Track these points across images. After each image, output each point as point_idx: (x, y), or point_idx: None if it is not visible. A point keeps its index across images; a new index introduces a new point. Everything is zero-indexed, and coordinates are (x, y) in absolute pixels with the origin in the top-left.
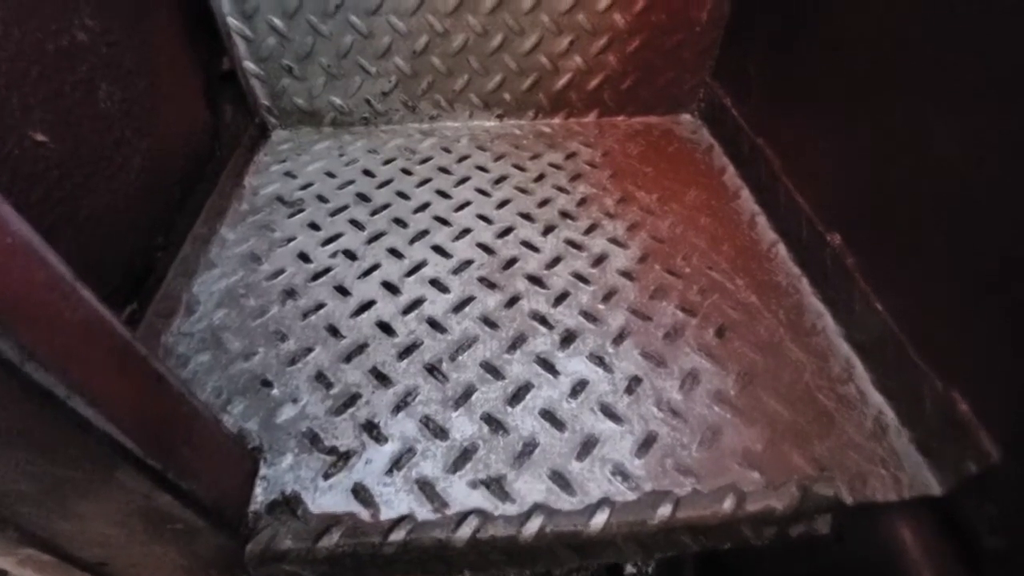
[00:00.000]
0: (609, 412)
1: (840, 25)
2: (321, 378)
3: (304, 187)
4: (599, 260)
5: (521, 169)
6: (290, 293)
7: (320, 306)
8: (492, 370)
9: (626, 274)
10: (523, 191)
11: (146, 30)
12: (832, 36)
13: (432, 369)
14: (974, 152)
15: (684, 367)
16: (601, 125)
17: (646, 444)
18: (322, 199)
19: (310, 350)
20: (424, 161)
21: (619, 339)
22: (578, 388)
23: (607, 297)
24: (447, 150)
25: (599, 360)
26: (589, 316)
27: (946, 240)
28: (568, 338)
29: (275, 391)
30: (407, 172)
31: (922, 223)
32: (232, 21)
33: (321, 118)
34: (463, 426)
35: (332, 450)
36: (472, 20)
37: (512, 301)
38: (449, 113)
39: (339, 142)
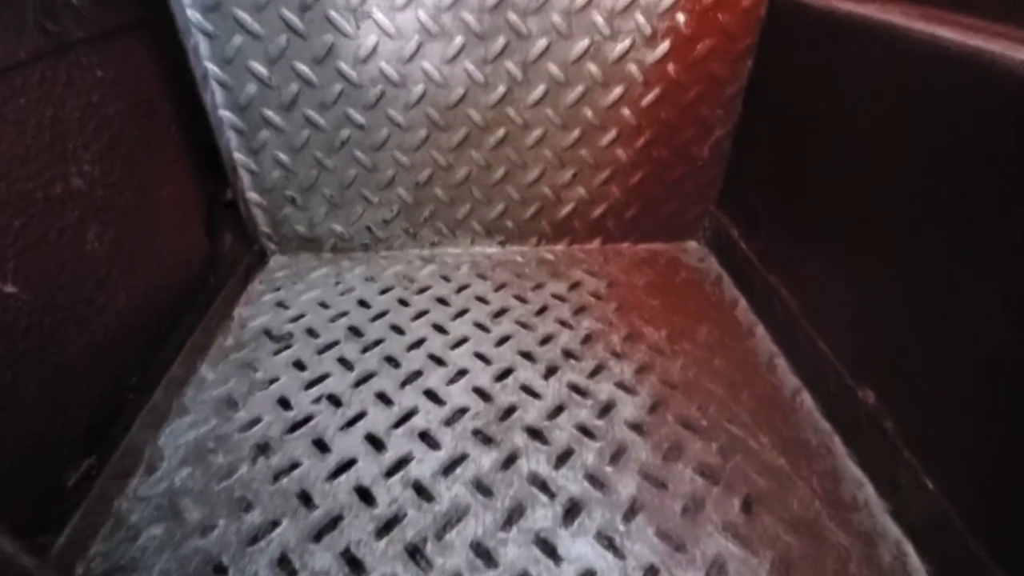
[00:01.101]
0: None
1: (839, 169)
2: (284, 563)
3: (295, 319)
4: (606, 409)
5: (522, 300)
6: (263, 448)
7: (294, 466)
8: (484, 554)
9: (636, 427)
10: (524, 326)
11: (148, 169)
12: (832, 181)
13: (415, 552)
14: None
15: (708, 553)
16: (606, 252)
17: None
18: (312, 333)
19: (276, 524)
20: (422, 291)
21: (631, 513)
22: None
23: (615, 456)
24: (447, 279)
25: (608, 542)
26: (596, 481)
27: (1000, 410)
28: (572, 510)
29: None
30: (404, 303)
31: (965, 390)
32: (239, 156)
33: (321, 244)
34: None
35: None
36: (475, 155)
37: (509, 460)
38: (451, 240)
39: (337, 268)
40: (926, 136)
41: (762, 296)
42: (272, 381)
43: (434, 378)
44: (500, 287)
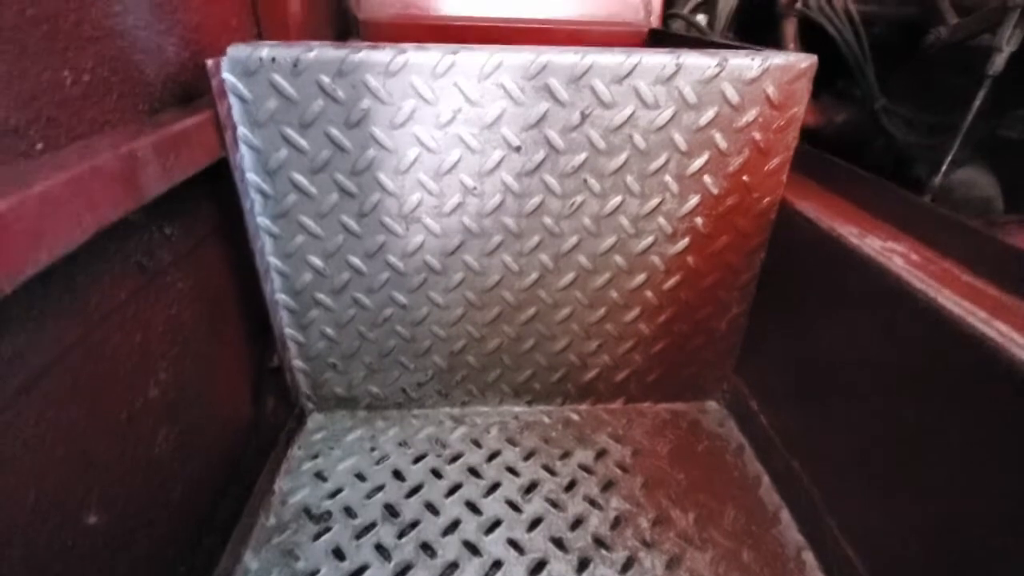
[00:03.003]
0: None
1: (848, 369)
2: None
3: (333, 494)
4: None
5: (551, 472)
6: None
7: None
8: None
9: None
10: (554, 504)
11: (212, 356)
12: (844, 380)
13: None
14: None
15: None
16: (628, 413)
17: None
18: (350, 512)
19: None
20: (454, 459)
21: None
22: None
23: None
24: (477, 443)
25: None
26: None
27: None
28: None
29: None
30: (437, 474)
31: None
32: (289, 331)
33: (357, 403)
34: None
35: None
36: (507, 328)
37: None
38: (480, 399)
39: (372, 430)
40: (920, 379)
41: (785, 478)
42: (313, 574)
43: (470, 571)
44: (529, 455)
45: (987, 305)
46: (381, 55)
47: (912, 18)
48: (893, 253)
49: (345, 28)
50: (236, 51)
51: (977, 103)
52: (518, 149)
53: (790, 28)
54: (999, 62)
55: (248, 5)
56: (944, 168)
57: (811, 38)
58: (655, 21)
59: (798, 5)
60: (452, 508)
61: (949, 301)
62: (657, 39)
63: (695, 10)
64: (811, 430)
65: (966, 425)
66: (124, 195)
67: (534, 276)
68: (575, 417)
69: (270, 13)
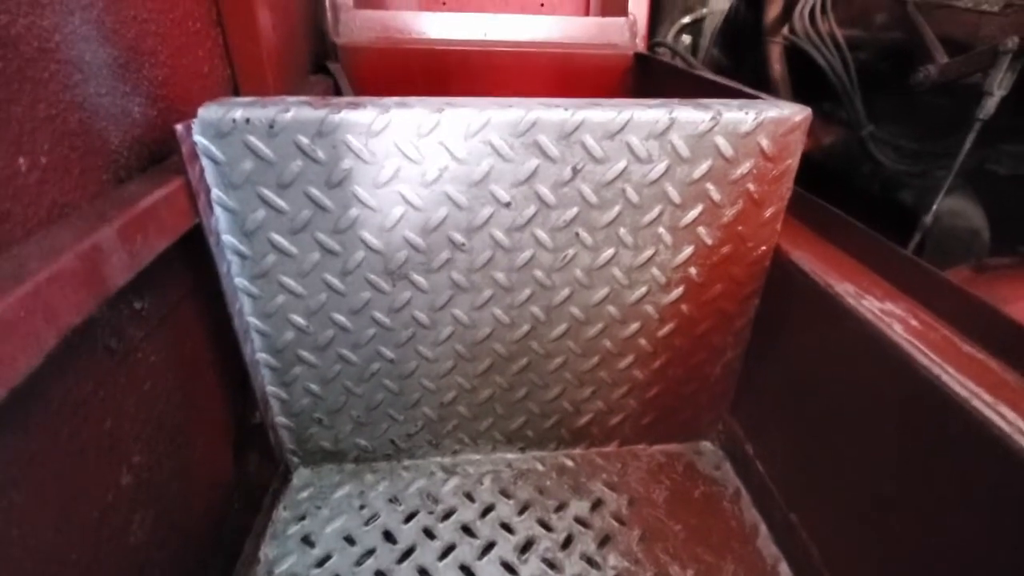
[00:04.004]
0: None
1: (844, 426)
2: None
3: (322, 561)
4: None
5: (547, 528)
6: None
7: None
8: None
9: None
10: (551, 565)
11: (188, 427)
12: (841, 439)
13: None
14: None
15: None
16: (623, 456)
17: None
18: None
19: None
20: (447, 516)
21: None
22: None
23: None
24: (470, 497)
25: None
26: None
27: None
28: None
29: None
30: (429, 534)
31: None
32: (271, 388)
33: (344, 456)
34: None
35: None
36: (499, 379)
37: None
38: (472, 447)
39: (360, 485)
40: (918, 451)
41: (782, 530)
42: None
43: None
44: (523, 509)
45: (989, 383)
46: (362, 115)
47: (898, 43)
48: (892, 318)
49: (323, 52)
50: (207, 112)
51: (967, 145)
52: (508, 205)
53: (775, 50)
54: (990, 106)
55: (220, 47)
56: (934, 208)
57: (796, 60)
58: (640, 44)
59: (785, 31)
60: (446, 573)
61: (953, 380)
62: (642, 63)
63: (681, 31)
64: (808, 482)
65: (968, 501)
66: (87, 297)
67: (525, 328)
68: (569, 463)
69: (243, 51)
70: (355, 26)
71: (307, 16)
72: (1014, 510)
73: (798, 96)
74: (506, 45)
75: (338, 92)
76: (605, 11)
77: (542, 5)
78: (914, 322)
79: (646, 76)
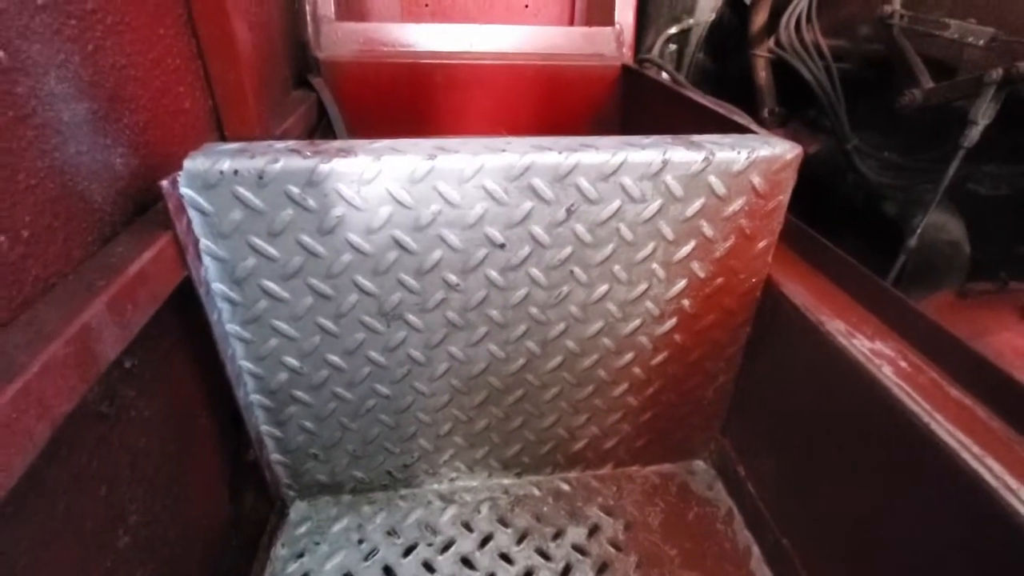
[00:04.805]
0: None
1: (834, 457)
2: None
3: None
4: None
5: (545, 557)
6: None
7: None
8: None
9: None
10: None
11: (183, 472)
12: (832, 468)
13: None
14: None
15: None
16: (617, 478)
17: None
18: None
19: None
20: (445, 548)
21: None
22: None
23: None
24: (468, 527)
25: None
26: None
27: None
28: None
29: None
30: (429, 567)
31: None
32: (265, 427)
33: (341, 488)
34: None
35: None
36: (495, 410)
37: None
38: (468, 475)
39: (358, 517)
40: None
41: (775, 554)
42: None
43: None
44: (522, 538)
45: (976, 431)
46: (354, 164)
47: (882, 55)
48: (882, 359)
49: (306, 65)
50: (193, 164)
51: (951, 172)
52: (502, 246)
53: (760, 61)
54: (974, 135)
55: (200, 79)
56: (918, 232)
57: (782, 69)
58: (627, 54)
59: (770, 44)
60: None
61: (942, 429)
62: (629, 76)
63: (668, 41)
64: (799, 507)
65: (952, 542)
66: (79, 382)
67: (521, 362)
68: (565, 487)
69: (224, 80)
70: (337, 39)
71: (288, 29)
72: (996, 553)
73: (783, 103)
74: (492, 57)
75: (321, 108)
76: (591, 18)
77: (526, 7)
78: (903, 363)
79: (633, 91)
